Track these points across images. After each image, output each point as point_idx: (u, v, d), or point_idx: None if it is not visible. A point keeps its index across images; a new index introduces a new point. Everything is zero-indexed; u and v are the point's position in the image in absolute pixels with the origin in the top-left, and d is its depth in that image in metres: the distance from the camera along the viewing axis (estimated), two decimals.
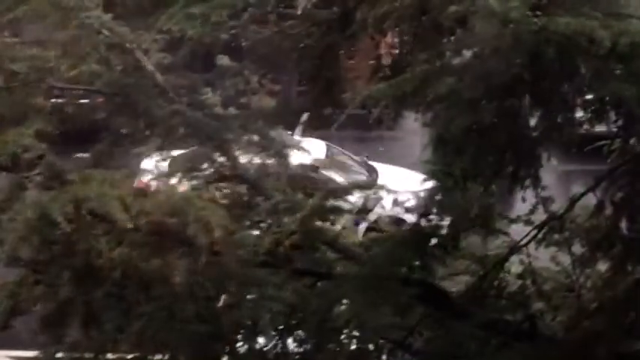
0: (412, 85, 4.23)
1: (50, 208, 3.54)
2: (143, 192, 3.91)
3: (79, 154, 6.71)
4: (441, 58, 4.24)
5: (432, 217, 4.40)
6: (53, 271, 3.86)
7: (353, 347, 4.56)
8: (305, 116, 17.84)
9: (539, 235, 4.82)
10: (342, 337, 4.35)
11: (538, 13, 3.79)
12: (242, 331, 4.01)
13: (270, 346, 4.16)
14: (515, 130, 4.25)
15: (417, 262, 4.72)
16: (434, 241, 4.74)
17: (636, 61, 3.64)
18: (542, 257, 5.14)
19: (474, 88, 4.03)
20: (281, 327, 4.10)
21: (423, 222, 4.45)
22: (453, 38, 4.12)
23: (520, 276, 5.07)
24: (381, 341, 4.87)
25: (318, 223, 4.58)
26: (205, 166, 5.18)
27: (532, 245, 4.87)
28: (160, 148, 5.70)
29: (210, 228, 3.74)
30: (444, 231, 4.52)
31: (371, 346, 4.73)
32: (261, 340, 4.09)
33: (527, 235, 4.89)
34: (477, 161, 4.21)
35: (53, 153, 4.41)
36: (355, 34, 5.01)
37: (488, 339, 4.75)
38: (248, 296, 3.80)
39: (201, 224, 3.73)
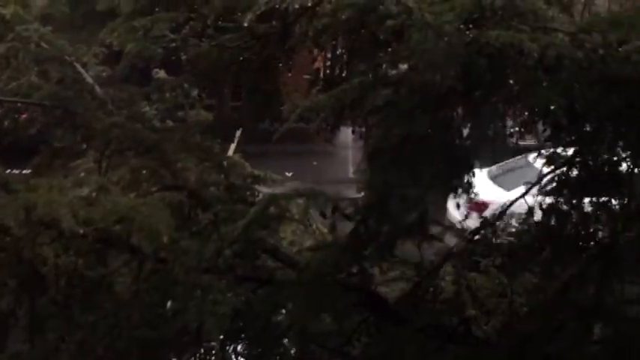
0: (350, 97, 4.37)
1: (3, 215, 3.57)
2: (89, 200, 3.95)
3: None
4: (378, 71, 4.39)
5: (369, 223, 4.53)
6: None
7: (293, 353, 4.66)
8: (239, 132, 17.88)
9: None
10: (285, 342, 4.45)
11: (471, 26, 3.97)
12: (187, 337, 4.08)
13: (214, 351, 4.25)
14: (449, 139, 4.42)
15: (354, 269, 4.84)
16: (370, 248, 4.86)
17: (562, 72, 3.84)
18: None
19: (410, 100, 4.19)
20: (226, 331, 4.17)
21: (361, 229, 4.58)
22: (389, 51, 4.26)
23: (454, 282, 5.23)
24: (320, 348, 4.98)
25: (260, 232, 4.67)
26: (146, 176, 5.24)
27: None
28: (97, 161, 5.74)
29: (156, 235, 3.81)
30: (381, 238, 4.65)
31: (309, 353, 4.84)
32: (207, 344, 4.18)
33: (461, 242, 5.07)
34: (412, 170, 4.36)
35: None
36: (294, 47, 5.15)
37: (425, 343, 4.89)
38: (192, 301, 3.87)
39: (146, 231, 3.80)
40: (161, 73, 9.67)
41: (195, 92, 7.19)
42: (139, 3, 5.01)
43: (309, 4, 4.69)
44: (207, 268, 4.10)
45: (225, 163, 5.63)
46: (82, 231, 3.63)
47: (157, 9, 5.15)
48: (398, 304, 5.08)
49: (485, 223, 4.89)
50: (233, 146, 16.25)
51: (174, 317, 3.88)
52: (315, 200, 4.48)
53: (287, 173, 17.51)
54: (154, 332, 3.88)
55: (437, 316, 5.06)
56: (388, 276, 5.16)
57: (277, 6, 4.88)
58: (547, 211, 4.67)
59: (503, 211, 4.94)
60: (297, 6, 4.66)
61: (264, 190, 5.71)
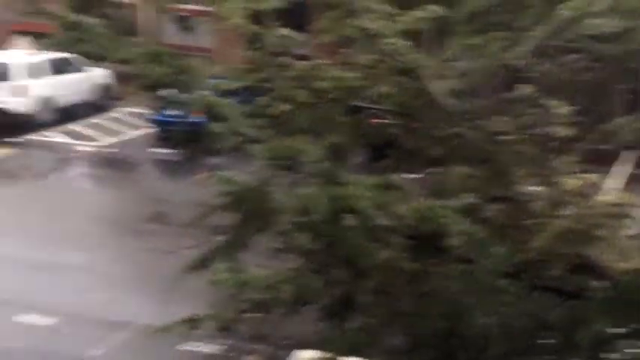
0: None
1: (311, 202, 4.11)
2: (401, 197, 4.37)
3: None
4: None
5: None
6: (322, 261, 4.44)
7: None
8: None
9: None
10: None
11: None
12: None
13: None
14: None
15: None
16: None
17: None
18: None
19: None
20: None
21: None
22: None
23: None
24: None
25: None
26: (475, 185, 5.55)
27: None
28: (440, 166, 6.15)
29: (463, 237, 4.13)
30: None
31: None
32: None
33: None
34: None
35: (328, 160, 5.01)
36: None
37: None
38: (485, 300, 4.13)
39: (447, 231, 4.13)
40: (526, 89, 9.86)
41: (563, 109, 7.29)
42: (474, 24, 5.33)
43: None
44: (509, 273, 4.33)
45: (557, 179, 5.78)
46: (389, 224, 4.04)
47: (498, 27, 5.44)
48: None
49: None
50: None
51: (468, 312, 4.17)
52: None
53: None
54: (447, 324, 4.20)
55: None
56: None
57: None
58: None
59: None
60: None
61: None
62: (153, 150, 25.14)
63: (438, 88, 6.39)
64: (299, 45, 7.65)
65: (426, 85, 6.33)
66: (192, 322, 5.06)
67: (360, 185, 4.31)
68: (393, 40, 6.47)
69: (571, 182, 7.08)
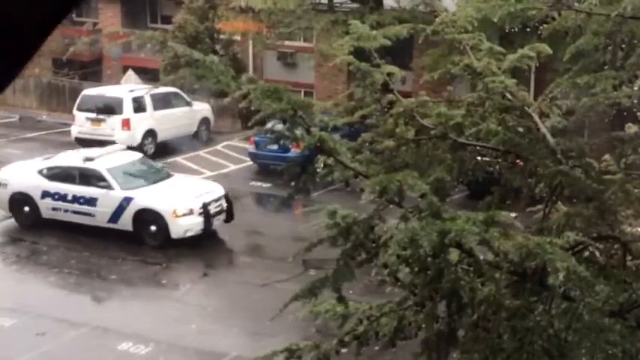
0: None
1: (418, 235, 4.18)
2: (506, 233, 4.40)
3: None
4: None
5: None
6: (425, 295, 4.50)
7: None
8: None
9: None
10: None
11: None
12: None
13: None
14: None
15: None
16: None
17: None
18: None
19: None
20: None
21: None
22: None
23: None
24: None
25: None
26: (581, 223, 5.53)
27: None
28: (545, 203, 6.15)
29: (567, 274, 4.13)
30: None
31: None
32: None
33: None
34: None
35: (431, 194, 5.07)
36: None
37: None
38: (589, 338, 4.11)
39: (553, 268, 4.15)
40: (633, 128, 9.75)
41: None
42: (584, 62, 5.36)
43: None
44: (614, 312, 4.31)
45: None
46: (496, 260, 4.08)
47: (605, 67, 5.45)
48: None
49: None
50: None
51: (571, 350, 4.16)
52: None
53: None
54: None
55: None
56: None
57: None
58: None
59: None
60: None
61: None
62: (253, 183, 25.53)
63: (544, 125, 6.41)
64: (403, 82, 7.78)
65: (533, 123, 6.36)
66: (291, 352, 5.16)
67: (467, 220, 4.35)
68: (500, 78, 6.52)
69: None
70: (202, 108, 30.32)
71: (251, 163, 26.67)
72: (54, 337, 15.71)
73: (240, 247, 20.48)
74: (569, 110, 6.72)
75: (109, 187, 20.32)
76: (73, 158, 21.59)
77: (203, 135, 30.14)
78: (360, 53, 6.84)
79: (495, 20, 6.45)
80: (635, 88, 5.25)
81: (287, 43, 30.46)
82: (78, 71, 35.08)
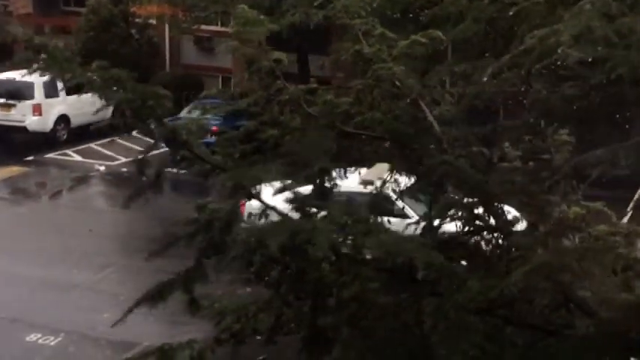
0: None
1: (265, 236, 3.98)
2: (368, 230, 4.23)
3: None
4: None
5: None
6: (290, 293, 4.30)
7: None
8: None
9: None
10: None
11: None
12: None
13: None
14: None
15: None
16: None
17: None
18: None
19: None
20: None
21: None
22: None
23: None
24: None
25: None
26: (463, 214, 5.41)
27: None
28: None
29: (430, 267, 3.98)
30: None
31: None
32: None
33: None
34: None
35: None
36: None
37: None
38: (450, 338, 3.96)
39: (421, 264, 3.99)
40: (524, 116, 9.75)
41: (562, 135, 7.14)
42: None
43: None
44: (481, 309, 4.16)
45: (550, 209, 5.62)
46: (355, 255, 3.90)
47: (486, 54, 5.32)
48: None
49: None
50: None
51: (434, 350, 4.01)
52: None
53: None
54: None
55: None
56: None
57: None
58: None
59: None
60: None
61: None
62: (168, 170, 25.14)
63: (432, 114, 6.27)
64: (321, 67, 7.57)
65: (421, 111, 6.21)
66: (163, 352, 4.92)
67: (324, 219, 4.17)
68: (388, 65, 6.36)
69: (574, 211, 6.93)
70: None
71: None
72: None
73: (152, 235, 20.13)
74: (459, 98, 6.59)
75: None
76: None
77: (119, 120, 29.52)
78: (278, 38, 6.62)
79: (374, 6, 6.28)
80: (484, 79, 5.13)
81: (204, 27, 29.98)
82: None
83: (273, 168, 4.67)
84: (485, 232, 5.38)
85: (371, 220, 4.43)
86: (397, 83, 6.41)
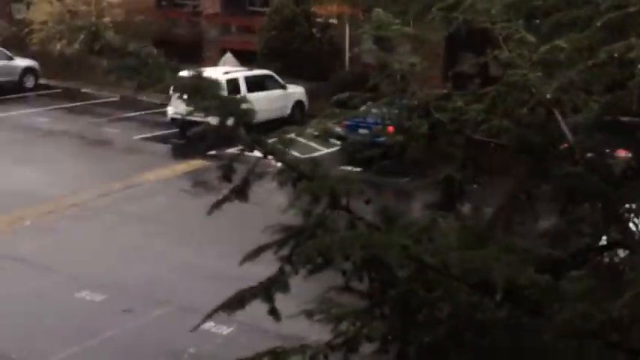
0: None
1: (335, 247, 3.93)
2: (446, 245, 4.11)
3: None
4: None
5: None
6: (379, 303, 4.23)
7: None
8: None
9: None
10: None
11: None
12: None
13: None
14: None
15: None
16: None
17: None
18: None
19: None
20: None
21: None
22: None
23: None
24: None
25: None
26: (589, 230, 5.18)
27: None
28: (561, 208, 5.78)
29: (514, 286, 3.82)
30: None
31: None
32: None
33: None
34: None
35: None
36: None
37: None
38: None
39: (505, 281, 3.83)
40: None
41: None
42: None
43: None
44: (586, 331, 3.96)
45: None
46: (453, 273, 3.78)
47: None
48: None
49: None
50: None
51: None
52: None
53: None
54: None
55: None
56: None
57: None
58: None
59: None
60: None
61: None
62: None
63: (567, 122, 6.02)
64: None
65: (554, 120, 5.97)
66: (275, 355, 4.96)
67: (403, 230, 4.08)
68: (523, 71, 6.16)
69: None
70: (296, 91, 30.32)
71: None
72: None
73: None
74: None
75: None
76: None
77: (297, 118, 30.13)
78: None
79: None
80: None
81: None
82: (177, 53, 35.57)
83: (357, 178, 4.62)
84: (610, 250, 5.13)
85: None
86: (533, 90, 6.20)
